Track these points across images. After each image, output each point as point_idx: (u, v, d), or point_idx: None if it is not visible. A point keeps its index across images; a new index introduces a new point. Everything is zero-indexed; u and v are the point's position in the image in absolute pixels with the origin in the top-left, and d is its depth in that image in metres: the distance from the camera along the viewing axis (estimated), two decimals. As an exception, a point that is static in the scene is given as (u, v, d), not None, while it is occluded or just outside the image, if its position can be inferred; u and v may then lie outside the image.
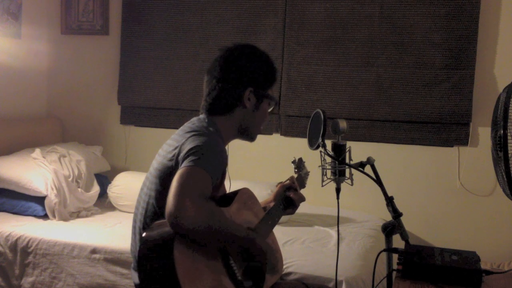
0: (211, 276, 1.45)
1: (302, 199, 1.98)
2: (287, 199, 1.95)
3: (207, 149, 1.56)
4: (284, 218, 3.04)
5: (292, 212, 2.00)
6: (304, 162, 2.14)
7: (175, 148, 1.62)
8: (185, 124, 1.75)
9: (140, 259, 1.45)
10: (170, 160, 1.62)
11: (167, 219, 1.39)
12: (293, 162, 2.07)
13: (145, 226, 1.64)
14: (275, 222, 1.86)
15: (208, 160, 1.53)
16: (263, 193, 3.00)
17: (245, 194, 1.78)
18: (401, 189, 3.31)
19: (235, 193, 1.74)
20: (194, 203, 1.39)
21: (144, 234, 1.47)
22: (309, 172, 2.17)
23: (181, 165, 1.53)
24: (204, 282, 1.42)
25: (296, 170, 2.08)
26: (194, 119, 1.77)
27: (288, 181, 2.01)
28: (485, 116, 3.19)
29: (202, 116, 1.77)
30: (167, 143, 1.71)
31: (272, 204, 1.92)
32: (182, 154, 1.57)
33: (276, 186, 2.02)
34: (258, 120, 1.80)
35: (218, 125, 1.73)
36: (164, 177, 1.62)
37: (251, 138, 1.83)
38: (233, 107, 1.74)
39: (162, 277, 1.39)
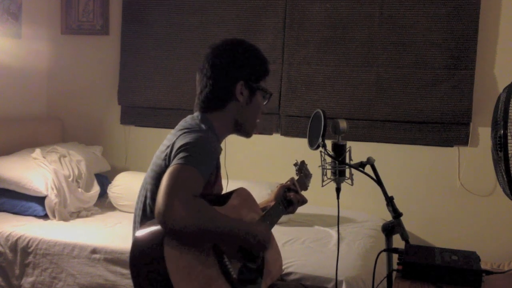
0: (204, 274, 1.44)
1: (303, 200, 1.98)
2: (287, 200, 1.95)
3: (197, 146, 1.55)
4: (284, 218, 3.04)
5: (293, 211, 2.00)
6: (307, 165, 2.14)
7: (168, 147, 1.62)
8: (179, 122, 1.75)
9: (132, 259, 1.44)
10: (164, 159, 1.62)
11: (156, 219, 1.38)
12: (295, 164, 2.08)
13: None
14: (274, 222, 1.86)
15: (198, 157, 1.52)
16: (263, 193, 2.99)
17: (242, 194, 1.78)
18: (401, 189, 3.30)
19: (231, 192, 1.74)
20: (183, 203, 1.37)
21: (136, 234, 1.47)
22: (311, 174, 2.17)
23: (171, 163, 1.52)
24: (197, 281, 1.41)
25: (297, 172, 2.08)
26: (188, 117, 1.77)
27: (288, 182, 2.01)
28: (485, 116, 3.19)
29: (195, 114, 1.77)
30: (163, 143, 1.71)
31: (272, 203, 1.92)
32: (173, 152, 1.56)
33: (277, 187, 2.02)
34: (252, 114, 1.78)
35: (212, 121, 1.73)
36: (159, 177, 1.60)
37: (247, 133, 1.81)
38: (226, 102, 1.74)
39: (154, 276, 1.38)
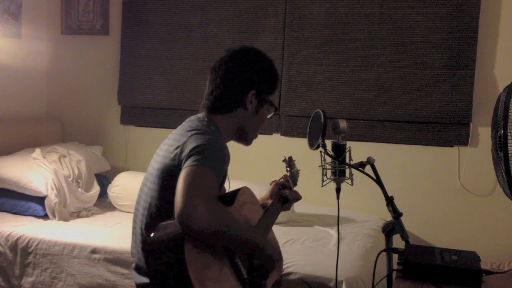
0: (220, 274, 1.46)
1: (298, 197, 2.00)
2: (283, 197, 1.96)
3: (211, 148, 1.56)
4: (284, 218, 3.04)
5: (288, 208, 2.01)
6: (295, 160, 2.16)
7: (177, 148, 1.61)
8: (184, 123, 1.75)
9: (150, 261, 1.45)
10: (173, 159, 1.61)
11: (177, 220, 1.38)
12: (284, 161, 2.10)
13: (148, 227, 1.63)
14: (274, 220, 1.88)
15: (213, 158, 1.53)
16: (263, 193, 2.93)
17: (245, 193, 1.79)
18: (401, 189, 3.30)
19: (235, 192, 1.74)
20: (204, 203, 1.38)
21: (152, 235, 1.47)
22: (299, 170, 2.19)
23: (184, 164, 1.52)
24: (213, 280, 1.43)
25: (288, 168, 2.10)
26: (193, 118, 1.77)
27: (282, 179, 2.03)
28: (485, 116, 3.19)
29: (201, 115, 1.77)
30: (166, 143, 1.71)
31: (269, 201, 1.93)
32: (184, 153, 1.56)
33: (270, 184, 2.04)
34: (256, 124, 1.82)
35: (218, 124, 1.74)
36: (166, 177, 1.61)
37: (247, 141, 1.85)
38: (235, 107, 1.75)
39: (173, 278, 1.39)
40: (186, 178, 1.43)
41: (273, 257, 1.65)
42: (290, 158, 2.13)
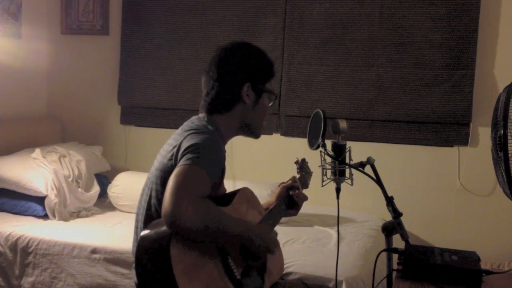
0: (209, 274, 1.45)
1: (305, 198, 1.98)
2: (289, 198, 1.95)
3: (205, 147, 1.56)
4: (284, 218, 3.03)
5: (295, 213, 1.99)
6: (307, 162, 2.14)
7: (174, 147, 1.62)
8: (185, 123, 1.75)
9: (138, 258, 1.46)
10: (170, 159, 1.62)
11: (163, 219, 1.39)
12: (296, 162, 2.08)
13: (146, 226, 1.64)
14: (276, 222, 1.87)
15: (206, 158, 1.53)
16: (264, 193, 2.99)
17: (245, 194, 1.78)
18: (401, 189, 3.30)
19: (235, 192, 1.74)
20: (191, 203, 1.38)
21: (142, 233, 1.47)
22: (312, 172, 2.18)
23: (178, 163, 1.52)
24: (201, 281, 1.42)
25: (298, 170, 2.08)
26: (194, 117, 1.77)
27: (289, 181, 2.01)
28: (485, 116, 3.19)
29: (201, 115, 1.77)
30: (168, 142, 1.72)
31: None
32: (180, 152, 1.56)
33: (278, 186, 2.02)
34: (259, 116, 1.80)
35: (218, 123, 1.73)
36: (165, 177, 1.61)
37: (255, 134, 1.82)
38: (232, 104, 1.74)
39: (159, 275, 1.39)
40: (176, 177, 1.43)
41: (269, 247, 1.62)
42: (303, 160, 2.12)
